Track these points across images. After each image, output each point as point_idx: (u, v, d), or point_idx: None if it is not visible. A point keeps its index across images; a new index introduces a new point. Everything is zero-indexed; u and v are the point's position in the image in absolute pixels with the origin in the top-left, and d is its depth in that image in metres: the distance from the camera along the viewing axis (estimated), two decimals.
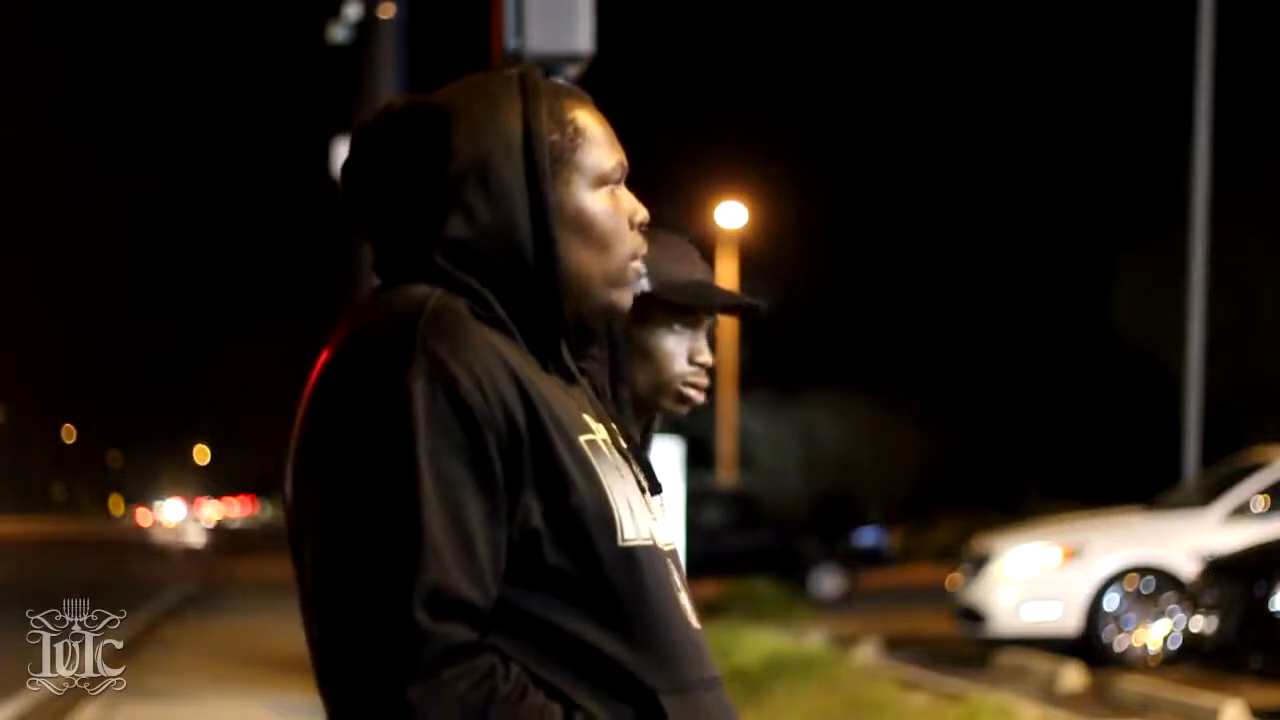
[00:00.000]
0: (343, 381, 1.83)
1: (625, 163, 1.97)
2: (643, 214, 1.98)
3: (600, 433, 1.91)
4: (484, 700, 1.73)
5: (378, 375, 1.79)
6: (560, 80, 2.04)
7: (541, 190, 1.89)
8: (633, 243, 1.96)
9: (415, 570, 1.73)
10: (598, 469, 1.85)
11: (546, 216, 1.89)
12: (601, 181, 1.94)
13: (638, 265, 1.97)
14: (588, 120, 1.95)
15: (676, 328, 2.56)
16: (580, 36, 7.94)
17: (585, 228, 1.92)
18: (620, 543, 1.84)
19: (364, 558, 1.75)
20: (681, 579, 1.95)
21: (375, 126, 1.95)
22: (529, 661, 1.79)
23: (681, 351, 2.58)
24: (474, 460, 1.78)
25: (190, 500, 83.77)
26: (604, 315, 1.98)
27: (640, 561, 1.85)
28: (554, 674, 1.79)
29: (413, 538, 1.74)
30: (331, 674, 1.77)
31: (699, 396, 2.61)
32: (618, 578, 1.83)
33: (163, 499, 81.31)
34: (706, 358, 2.60)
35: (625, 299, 1.97)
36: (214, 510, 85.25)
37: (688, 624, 1.90)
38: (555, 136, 1.92)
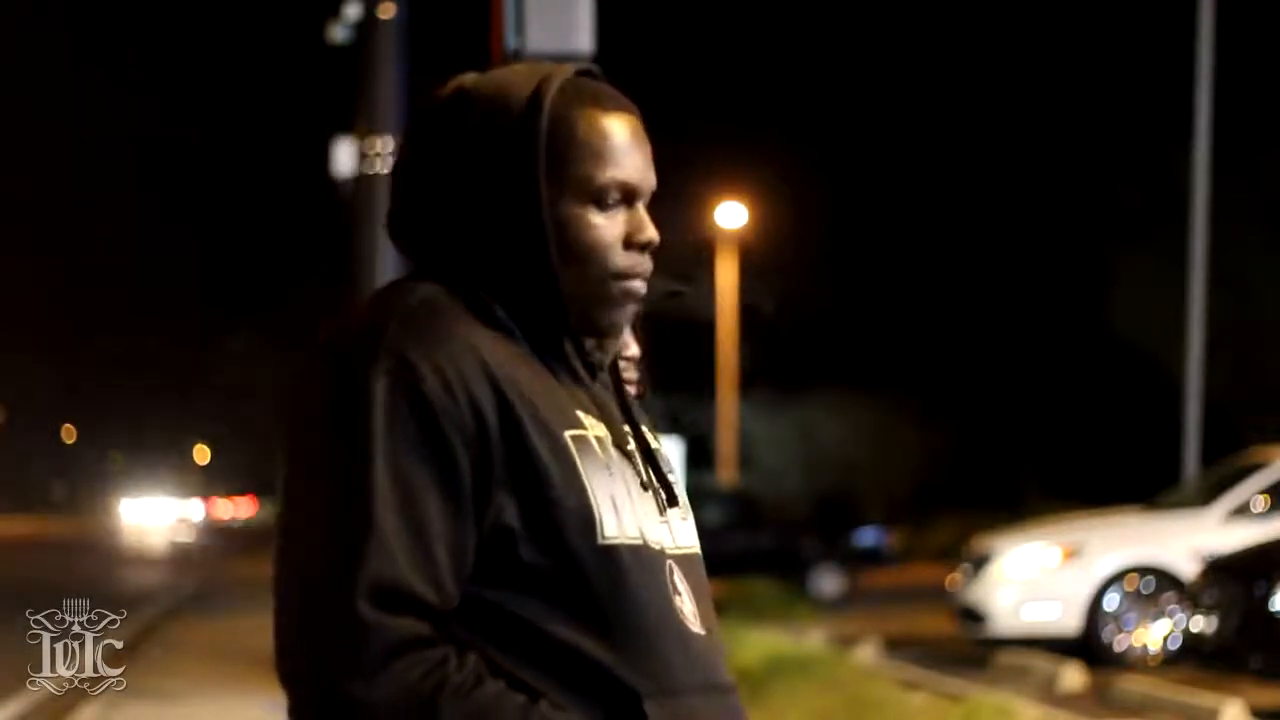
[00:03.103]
0: (312, 377, 1.84)
1: (631, 181, 1.92)
2: (647, 234, 1.93)
3: (595, 429, 1.88)
4: (433, 689, 1.72)
5: (342, 371, 1.80)
6: (601, 84, 1.99)
7: (532, 192, 1.87)
8: (620, 261, 1.91)
9: (359, 563, 1.72)
10: (579, 465, 1.82)
11: (536, 218, 1.87)
12: (590, 195, 1.89)
13: (627, 285, 1.92)
14: (596, 128, 1.90)
15: None
16: (580, 36, 7.95)
17: (560, 239, 1.88)
18: (600, 541, 1.81)
19: (313, 551, 1.76)
20: (692, 584, 1.91)
21: (421, 107, 1.96)
22: (504, 660, 1.77)
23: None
24: (435, 458, 1.77)
25: (188, 500, 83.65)
26: (588, 333, 1.93)
27: (622, 561, 1.82)
28: (530, 673, 1.78)
29: (360, 531, 1.74)
30: (283, 666, 1.77)
31: (630, 391, 2.59)
32: (596, 576, 1.80)
33: (160, 499, 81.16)
34: (632, 350, 2.59)
35: (608, 318, 1.93)
36: (215, 510, 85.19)
37: (683, 628, 1.86)
38: (557, 141, 1.89)
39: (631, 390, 2.56)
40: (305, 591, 1.76)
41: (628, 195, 1.93)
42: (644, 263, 1.94)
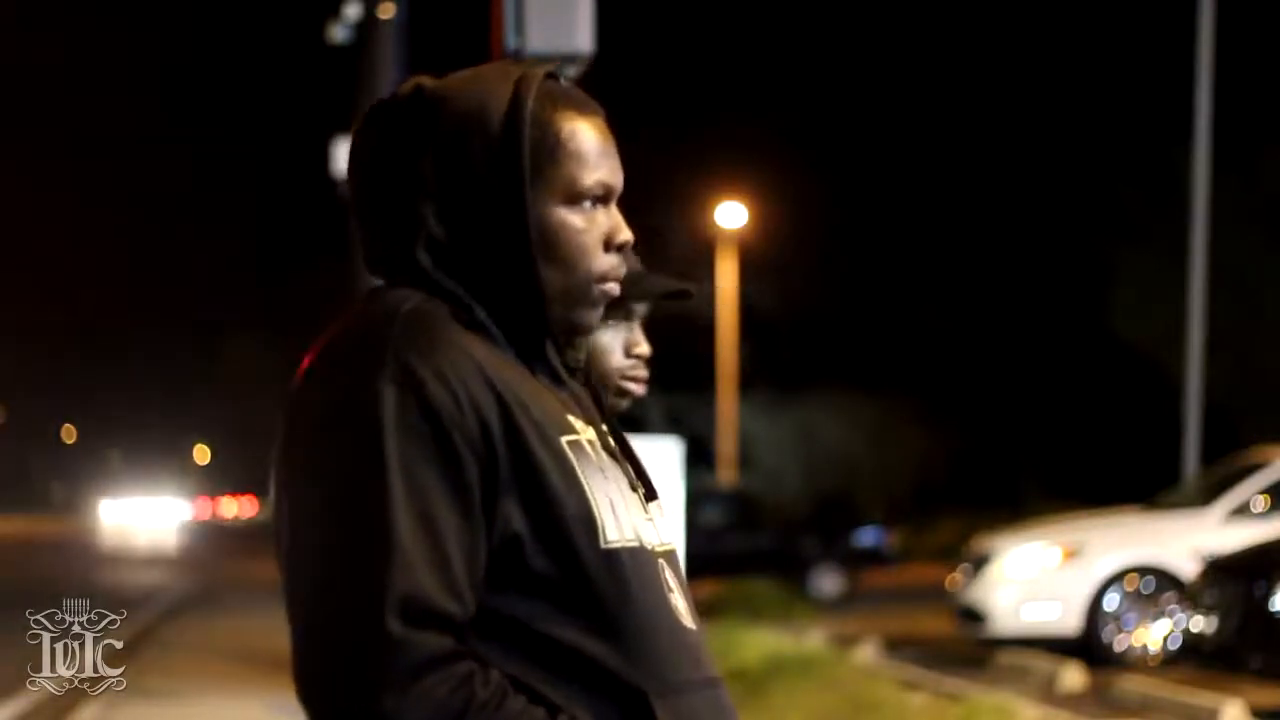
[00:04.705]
0: (316, 387, 1.83)
1: (610, 182, 1.93)
2: (624, 236, 1.94)
3: (586, 433, 1.89)
4: (461, 706, 1.72)
5: (349, 380, 1.79)
6: (569, 85, 1.99)
7: (518, 194, 1.87)
8: (602, 264, 1.92)
9: (387, 578, 1.72)
10: (578, 470, 1.83)
11: (521, 221, 1.87)
12: (573, 198, 1.90)
13: (608, 287, 1.93)
14: (576, 131, 1.91)
15: (609, 321, 2.51)
16: (580, 36, 7.96)
17: (545, 242, 1.88)
18: (603, 545, 1.82)
19: (334, 566, 1.74)
20: (678, 580, 1.93)
21: (380, 108, 1.94)
22: (515, 668, 1.77)
23: (617, 345, 2.55)
24: (445, 466, 1.76)
25: (189, 499, 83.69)
26: (563, 332, 1.94)
27: (624, 563, 1.83)
28: (540, 680, 1.78)
29: (383, 546, 1.73)
30: (307, 683, 1.76)
31: (639, 389, 2.58)
32: (601, 580, 1.81)
33: (159, 498, 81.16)
34: (644, 349, 2.58)
35: (586, 318, 1.94)
36: (216, 509, 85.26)
37: (679, 625, 1.88)
38: (536, 142, 1.88)
39: (640, 389, 2.57)
40: (329, 608, 1.74)
41: (606, 196, 1.94)
42: (622, 264, 1.95)
